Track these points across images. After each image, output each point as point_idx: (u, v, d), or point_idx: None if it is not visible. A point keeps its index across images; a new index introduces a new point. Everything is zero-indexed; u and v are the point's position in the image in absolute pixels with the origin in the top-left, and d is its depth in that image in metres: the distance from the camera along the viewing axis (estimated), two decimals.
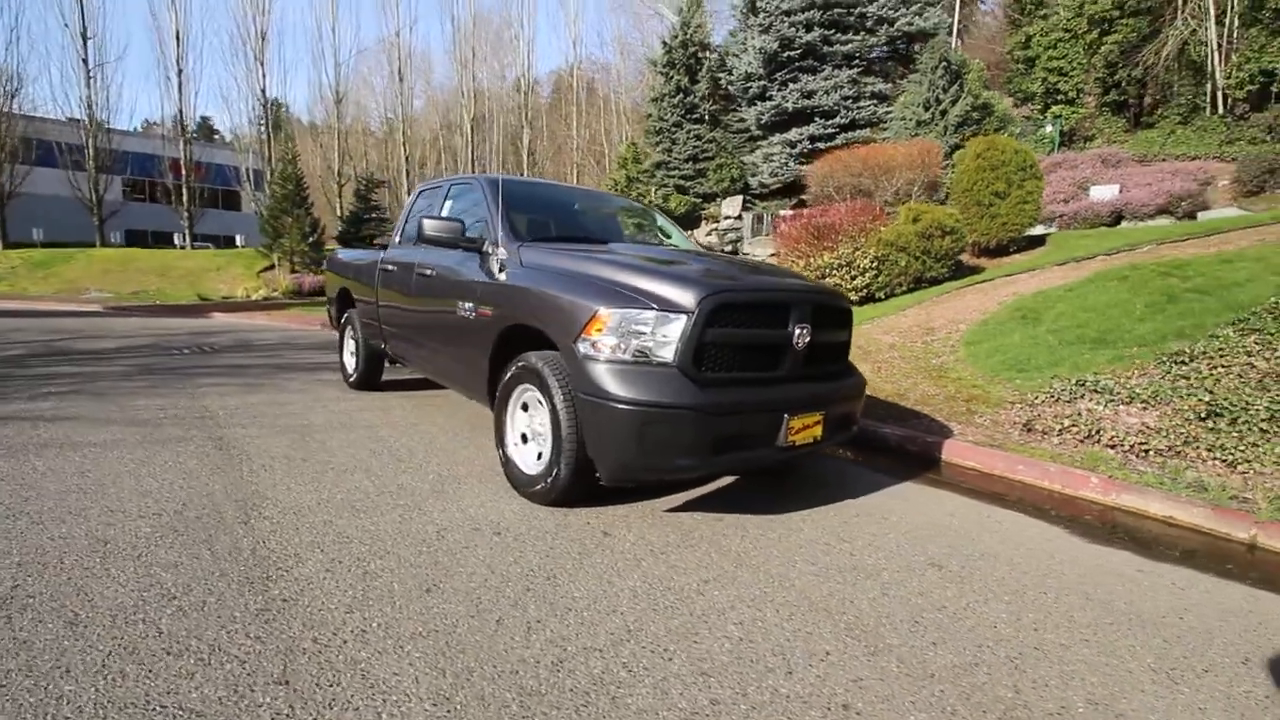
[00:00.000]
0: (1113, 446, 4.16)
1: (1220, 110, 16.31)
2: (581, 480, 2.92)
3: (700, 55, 26.74)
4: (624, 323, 2.69)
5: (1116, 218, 13.75)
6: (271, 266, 19.95)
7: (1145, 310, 6.94)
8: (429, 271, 4.12)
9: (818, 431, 3.05)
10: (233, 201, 36.84)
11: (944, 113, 16.88)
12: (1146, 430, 4.20)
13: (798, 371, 3.05)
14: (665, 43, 25.32)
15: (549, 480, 2.96)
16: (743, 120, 25.94)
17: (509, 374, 3.22)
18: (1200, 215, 12.57)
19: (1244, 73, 15.24)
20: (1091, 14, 18.41)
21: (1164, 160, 14.89)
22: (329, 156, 29.20)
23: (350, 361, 5.87)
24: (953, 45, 17.27)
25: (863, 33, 18.58)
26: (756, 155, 21.35)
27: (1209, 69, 16.29)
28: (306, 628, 1.96)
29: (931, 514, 3.28)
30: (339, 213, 26.74)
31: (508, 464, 3.26)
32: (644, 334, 2.68)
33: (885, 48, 18.89)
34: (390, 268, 4.75)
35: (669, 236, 4.72)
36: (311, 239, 19.62)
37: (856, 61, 18.84)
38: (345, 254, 6.46)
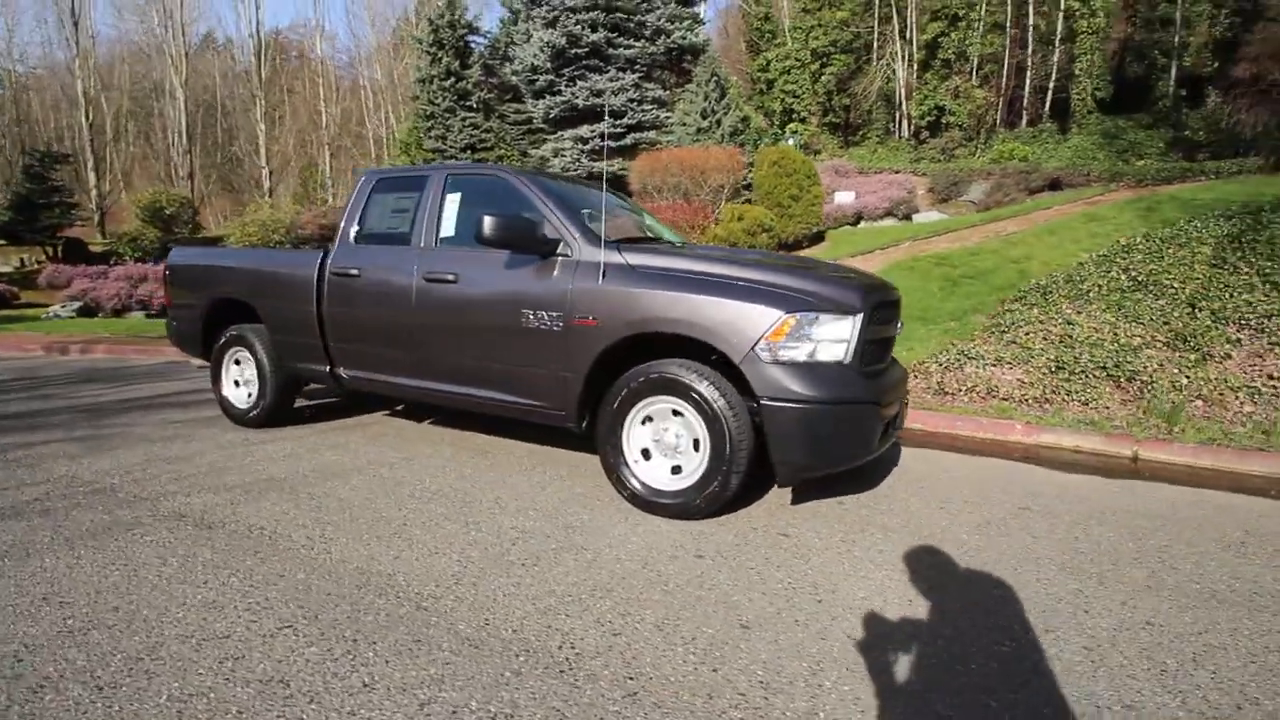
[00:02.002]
0: (1006, 400, 5.38)
1: (907, 134, 21.21)
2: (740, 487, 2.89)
3: (469, 39, 25.67)
4: (806, 325, 2.73)
5: (857, 218, 16.96)
6: None
7: (940, 293, 8.90)
8: (449, 277, 3.51)
9: (905, 414, 3.46)
10: None
11: (719, 123, 18.92)
12: (1023, 385, 5.52)
13: (889, 361, 3.41)
14: (431, 20, 23.75)
15: (707, 492, 2.86)
16: (521, 112, 25.64)
17: (631, 386, 2.99)
18: (914, 217, 16.20)
19: (923, 107, 20.15)
20: (814, 48, 22.39)
21: (879, 173, 18.86)
22: None
23: (242, 394, 4.61)
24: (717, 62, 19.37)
25: (643, 40, 19.78)
26: (546, 149, 21.34)
27: (898, 101, 21.21)
28: (716, 696, 1.70)
29: (960, 470, 3.94)
30: None
31: (632, 485, 3.03)
32: (823, 336, 2.76)
33: (663, 56, 20.39)
34: (353, 272, 3.88)
35: (662, 233, 4.69)
36: None
37: (638, 66, 19.99)
38: (209, 254, 5.01)
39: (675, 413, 2.98)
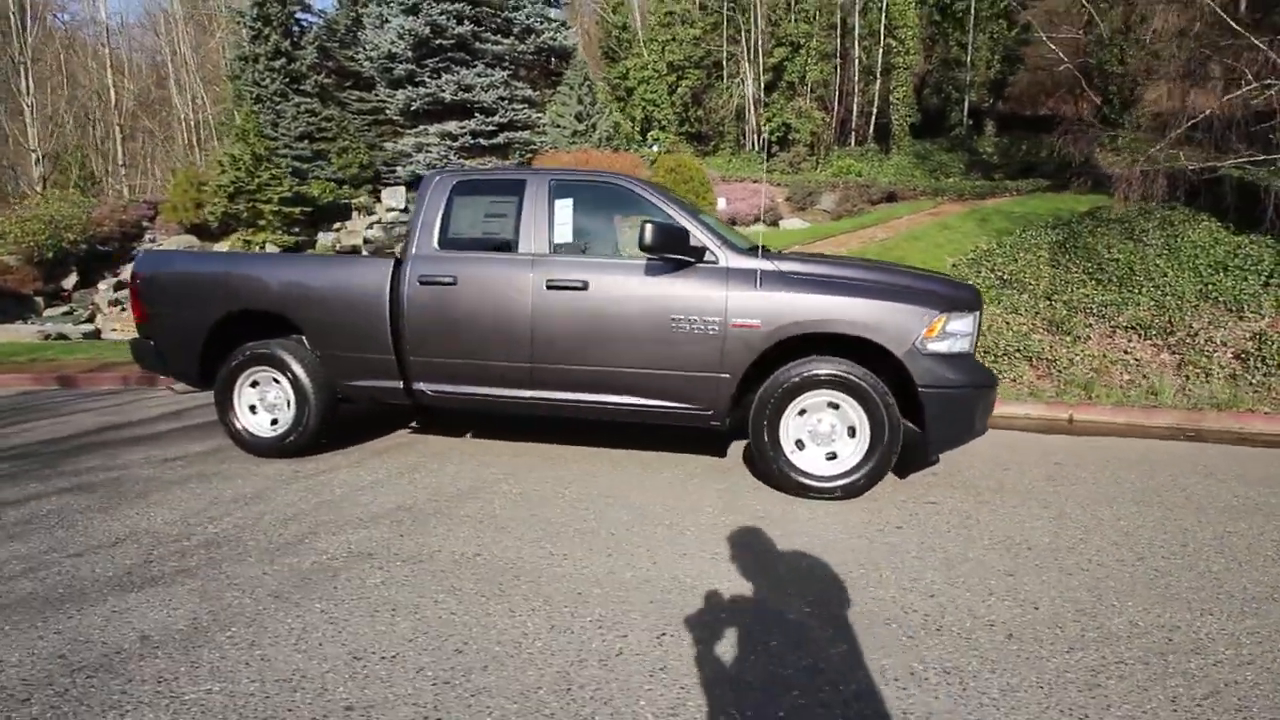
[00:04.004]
0: None
1: (757, 147, 23.27)
2: None
3: (301, 17, 23.22)
4: (953, 322, 3.22)
5: (731, 223, 18.29)
6: None
7: None
8: (578, 284, 3.46)
9: None
10: None
11: (594, 127, 19.25)
12: None
13: None
14: None
15: (867, 472, 3.24)
16: (367, 101, 23.73)
17: (794, 380, 3.25)
18: (780, 223, 17.89)
19: (772, 123, 22.27)
20: (670, 60, 23.60)
21: (740, 181, 20.47)
22: None
23: (262, 420, 4.03)
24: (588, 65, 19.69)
25: (512, 37, 19.39)
26: (406, 144, 20.03)
27: (748, 117, 23.20)
28: (1061, 626, 2.09)
29: (978, 442, 4.73)
30: None
31: (795, 476, 3.30)
32: (959, 330, 3.27)
33: (531, 56, 20.16)
34: (446, 280, 3.62)
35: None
36: None
37: (506, 63, 19.56)
38: (213, 259, 4.27)
39: (831, 405, 3.31)
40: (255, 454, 4.05)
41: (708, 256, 3.41)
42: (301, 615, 2.12)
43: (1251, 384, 5.75)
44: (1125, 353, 6.80)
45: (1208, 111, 7.92)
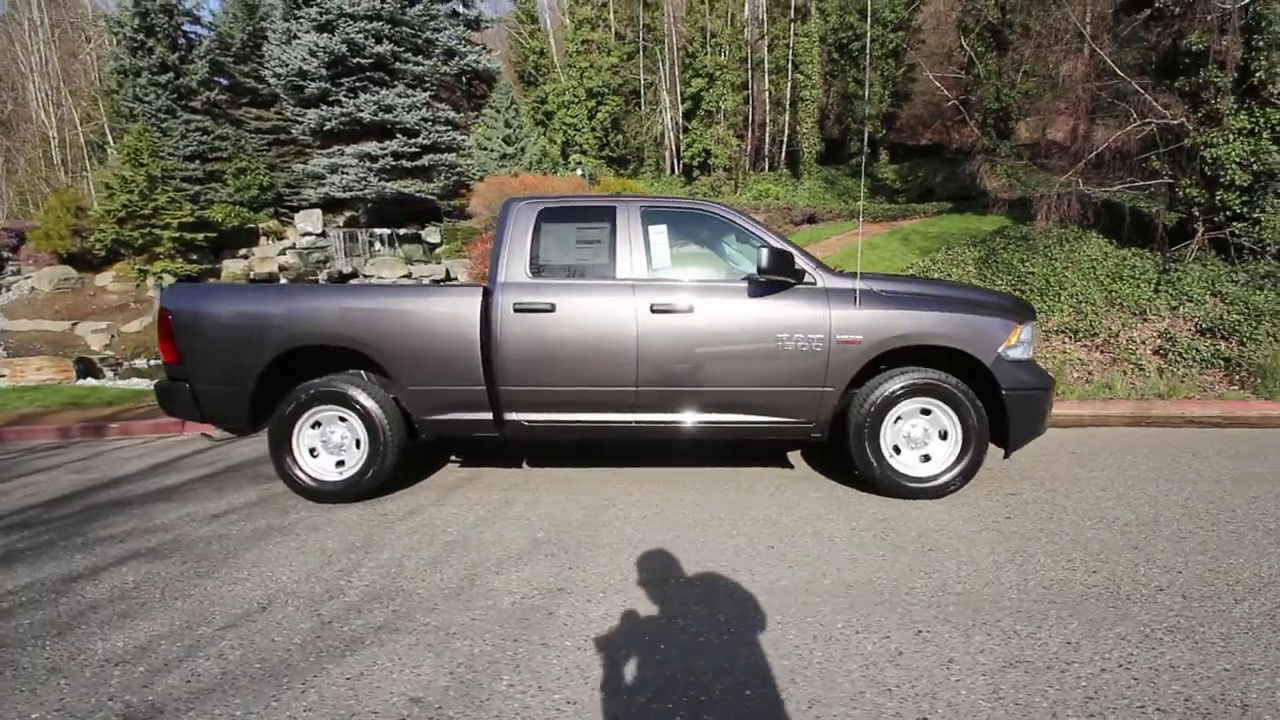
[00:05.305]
0: None
1: (678, 172, 24.05)
2: None
3: (189, 30, 21.49)
4: (1025, 332, 3.62)
5: None
6: None
7: None
8: (684, 307, 3.55)
9: None
10: None
11: (523, 150, 19.16)
12: None
13: None
14: (139, 1, 19.33)
15: (961, 471, 3.55)
16: (265, 119, 22.25)
17: (895, 391, 3.51)
18: None
19: (692, 149, 23.17)
20: (589, 87, 23.97)
21: None
22: None
23: (326, 463, 3.75)
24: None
25: (433, 59, 18.97)
26: (318, 164, 18.93)
27: (668, 143, 23.97)
28: (1220, 587, 2.44)
29: None
30: None
31: (896, 477, 3.55)
32: (1026, 338, 3.68)
33: (454, 78, 19.79)
34: (544, 307, 3.57)
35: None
36: None
37: (428, 84, 19.08)
38: (270, 292, 3.92)
39: (924, 411, 3.60)
40: (318, 500, 3.75)
41: (806, 278, 3.62)
42: (562, 655, 2.05)
43: (1177, 375, 6.77)
44: (1063, 353, 7.76)
45: (1102, 147, 9.29)
